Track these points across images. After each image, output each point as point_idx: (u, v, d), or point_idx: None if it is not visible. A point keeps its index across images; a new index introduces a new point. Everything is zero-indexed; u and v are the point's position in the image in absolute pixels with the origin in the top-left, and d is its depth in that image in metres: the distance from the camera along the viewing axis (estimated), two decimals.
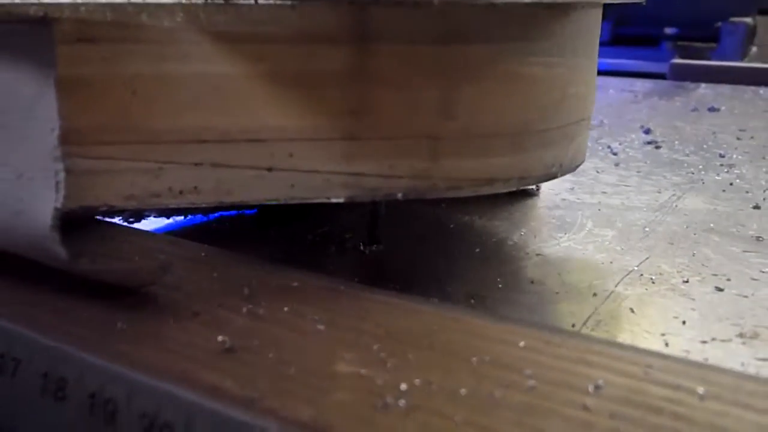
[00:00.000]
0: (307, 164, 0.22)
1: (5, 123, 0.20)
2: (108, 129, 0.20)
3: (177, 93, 0.20)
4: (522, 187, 0.26)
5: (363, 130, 0.22)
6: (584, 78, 0.26)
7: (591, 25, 0.26)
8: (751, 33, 0.92)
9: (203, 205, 0.22)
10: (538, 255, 0.28)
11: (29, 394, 0.18)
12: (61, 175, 0.19)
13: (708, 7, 0.92)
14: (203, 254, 0.23)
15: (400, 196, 0.22)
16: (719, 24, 0.92)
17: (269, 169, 0.21)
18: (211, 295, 0.20)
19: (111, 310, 0.19)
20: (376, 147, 0.22)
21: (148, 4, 0.20)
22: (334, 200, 0.22)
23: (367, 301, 0.19)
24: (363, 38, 0.21)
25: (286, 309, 0.19)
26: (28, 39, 0.19)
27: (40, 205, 0.19)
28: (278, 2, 0.20)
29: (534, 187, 0.36)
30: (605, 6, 0.27)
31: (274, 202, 0.22)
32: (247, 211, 0.32)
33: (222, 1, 0.20)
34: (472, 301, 0.23)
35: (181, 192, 0.21)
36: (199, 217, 0.31)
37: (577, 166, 0.28)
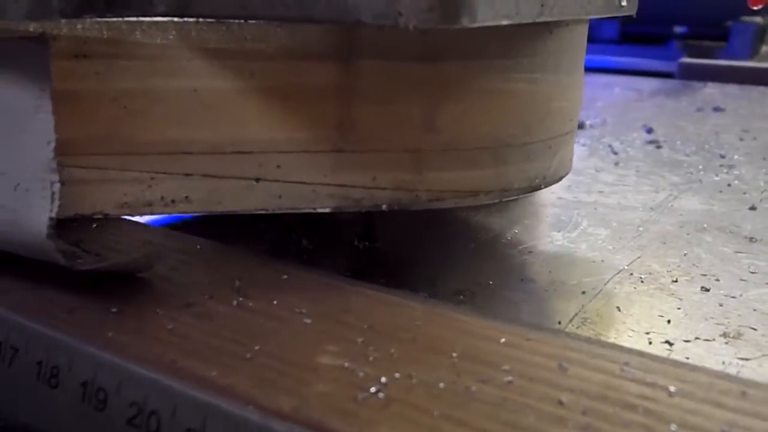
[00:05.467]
0: (294, 175, 0.22)
1: (2, 135, 0.20)
2: (100, 141, 0.21)
3: (167, 107, 0.21)
4: (505, 199, 0.26)
5: (348, 143, 0.22)
6: (568, 93, 0.26)
7: (575, 42, 0.26)
8: (761, 32, 0.92)
9: (195, 214, 0.22)
10: (530, 252, 0.28)
11: (26, 381, 0.18)
12: (57, 186, 0.19)
13: (718, 5, 0.91)
14: (198, 247, 0.23)
15: (384, 207, 0.23)
16: (729, 23, 0.91)
17: (258, 180, 0.22)
18: (203, 287, 0.20)
19: (104, 299, 0.19)
20: (361, 159, 0.22)
21: (142, 22, 0.20)
22: (320, 210, 0.23)
23: (355, 294, 0.20)
24: (348, 55, 0.21)
25: (275, 302, 0.19)
26: (27, 55, 0.20)
27: (35, 214, 0.19)
28: (267, 21, 0.21)
29: None
30: None
31: (263, 212, 0.23)
32: None
33: (213, 20, 0.21)
34: (462, 297, 0.24)
35: (173, 201, 0.22)
36: None
37: (561, 178, 0.28)
